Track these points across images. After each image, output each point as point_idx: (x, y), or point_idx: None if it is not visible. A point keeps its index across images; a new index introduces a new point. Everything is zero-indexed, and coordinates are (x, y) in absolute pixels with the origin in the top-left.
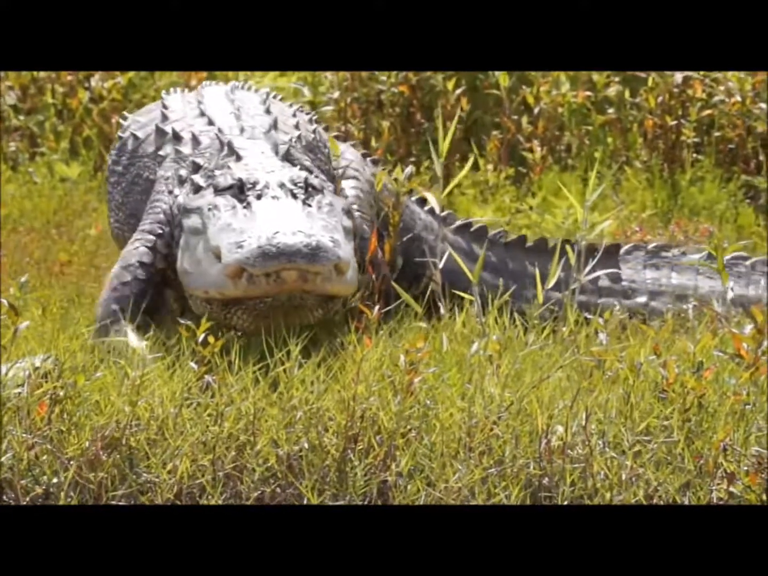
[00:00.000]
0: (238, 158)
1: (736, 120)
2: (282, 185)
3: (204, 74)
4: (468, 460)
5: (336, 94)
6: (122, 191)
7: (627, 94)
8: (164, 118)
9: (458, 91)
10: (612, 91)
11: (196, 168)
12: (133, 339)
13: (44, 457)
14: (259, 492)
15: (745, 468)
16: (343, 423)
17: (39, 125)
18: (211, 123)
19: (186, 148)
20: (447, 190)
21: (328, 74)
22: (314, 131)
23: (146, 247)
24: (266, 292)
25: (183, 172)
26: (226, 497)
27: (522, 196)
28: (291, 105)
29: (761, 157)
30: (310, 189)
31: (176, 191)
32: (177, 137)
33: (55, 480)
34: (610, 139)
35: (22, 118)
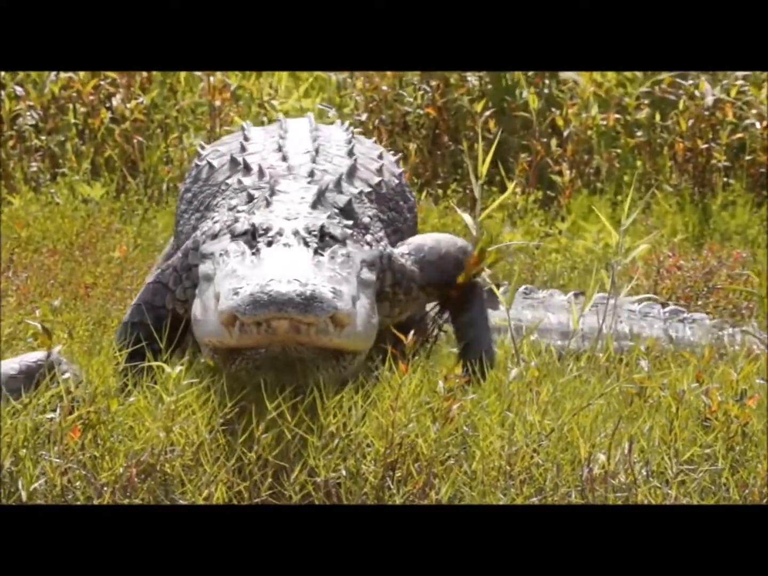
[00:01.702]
0: (268, 204)
1: (767, 143)
2: (296, 233)
3: (228, 94)
4: (509, 488)
5: (364, 117)
6: (187, 219)
7: (658, 117)
8: (242, 149)
9: (486, 114)
10: (642, 113)
11: (250, 199)
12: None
13: (78, 483)
14: None
15: None
16: (381, 450)
17: (60, 145)
18: (284, 159)
19: (249, 180)
20: (485, 213)
21: (355, 95)
22: (400, 175)
23: (161, 283)
24: (258, 341)
25: (234, 201)
26: None
27: (551, 220)
28: (375, 143)
29: None
30: (327, 238)
31: (217, 217)
32: (247, 168)
33: None
34: (639, 163)
35: (43, 138)
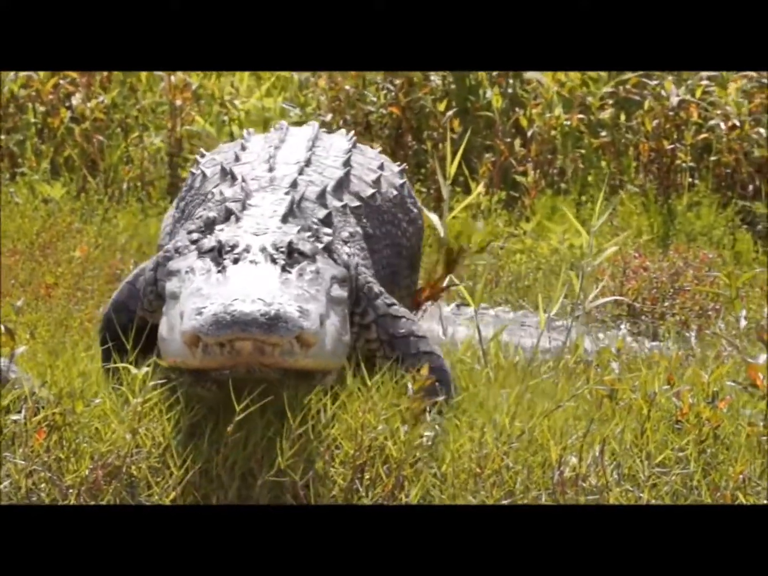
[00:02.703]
0: (237, 219)
1: (733, 144)
2: (263, 249)
3: (189, 93)
4: (479, 491)
5: (329, 117)
6: (177, 231)
7: (622, 117)
8: (236, 159)
9: (449, 113)
10: (606, 113)
11: (228, 214)
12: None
13: (43, 485)
14: None
15: (765, 501)
16: (350, 452)
17: (19, 145)
18: (270, 170)
19: (231, 191)
20: (453, 213)
21: (318, 94)
22: (401, 186)
23: (134, 287)
24: (221, 363)
25: (212, 214)
26: None
27: (515, 221)
28: (379, 154)
29: (758, 182)
30: (295, 255)
31: (193, 228)
32: (233, 178)
33: None
34: (604, 163)
35: (2, 137)
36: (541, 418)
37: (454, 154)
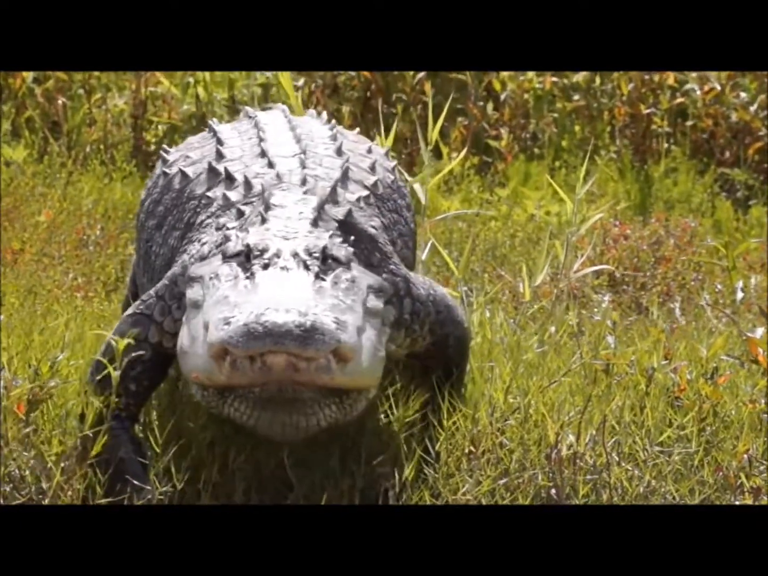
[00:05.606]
0: (263, 220)
1: (711, 109)
2: (295, 255)
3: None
4: (475, 470)
5: (301, 81)
6: (161, 237)
7: (597, 80)
8: (219, 155)
9: (420, 76)
10: (580, 76)
11: (240, 215)
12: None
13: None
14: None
15: None
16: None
17: None
18: (271, 166)
19: (235, 194)
20: (435, 179)
21: None
22: (393, 170)
23: (144, 314)
24: (251, 380)
25: (222, 220)
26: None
27: (487, 186)
28: (360, 136)
29: (736, 148)
30: (329, 261)
31: (205, 238)
32: (230, 179)
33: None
34: (577, 128)
35: None
36: (537, 394)
37: (430, 119)
